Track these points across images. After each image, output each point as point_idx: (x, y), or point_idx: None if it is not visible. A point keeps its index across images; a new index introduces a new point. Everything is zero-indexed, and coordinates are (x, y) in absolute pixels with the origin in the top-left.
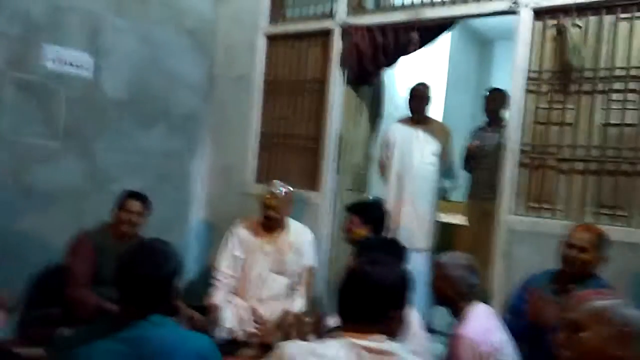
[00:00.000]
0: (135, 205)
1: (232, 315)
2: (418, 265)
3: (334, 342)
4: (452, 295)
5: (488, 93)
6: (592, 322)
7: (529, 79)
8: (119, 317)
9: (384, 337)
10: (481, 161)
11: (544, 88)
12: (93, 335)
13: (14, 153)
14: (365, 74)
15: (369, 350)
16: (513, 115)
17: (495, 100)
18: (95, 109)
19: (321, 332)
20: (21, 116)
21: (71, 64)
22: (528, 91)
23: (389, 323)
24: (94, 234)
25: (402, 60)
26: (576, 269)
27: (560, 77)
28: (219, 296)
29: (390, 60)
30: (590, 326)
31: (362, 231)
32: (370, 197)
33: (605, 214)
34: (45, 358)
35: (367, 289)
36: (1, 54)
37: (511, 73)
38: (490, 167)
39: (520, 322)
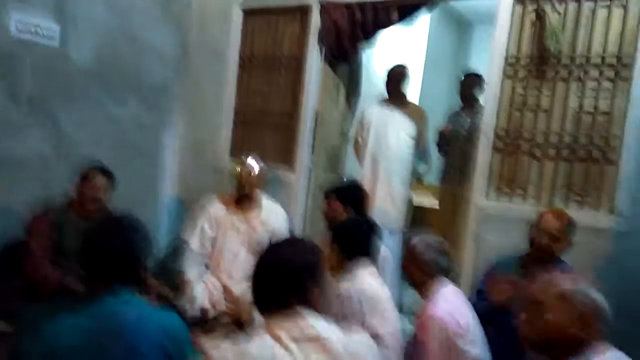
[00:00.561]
0: (99, 180)
1: (203, 292)
2: (391, 245)
3: (262, 340)
4: (422, 277)
5: (464, 77)
6: (556, 304)
7: (507, 63)
8: (85, 292)
9: (310, 318)
10: (454, 145)
11: (521, 73)
12: (59, 309)
13: None
14: (343, 52)
15: (299, 339)
16: (489, 99)
17: (471, 84)
18: (62, 78)
19: None
20: None
21: (37, 32)
22: (505, 76)
23: (312, 301)
24: (55, 210)
25: (381, 40)
26: (546, 256)
27: (538, 62)
28: (190, 272)
29: (368, 37)
30: (554, 308)
31: (344, 215)
32: (345, 178)
33: (575, 200)
34: (9, 332)
35: (274, 272)
36: None
37: (489, 57)
38: (463, 151)
39: (485, 303)
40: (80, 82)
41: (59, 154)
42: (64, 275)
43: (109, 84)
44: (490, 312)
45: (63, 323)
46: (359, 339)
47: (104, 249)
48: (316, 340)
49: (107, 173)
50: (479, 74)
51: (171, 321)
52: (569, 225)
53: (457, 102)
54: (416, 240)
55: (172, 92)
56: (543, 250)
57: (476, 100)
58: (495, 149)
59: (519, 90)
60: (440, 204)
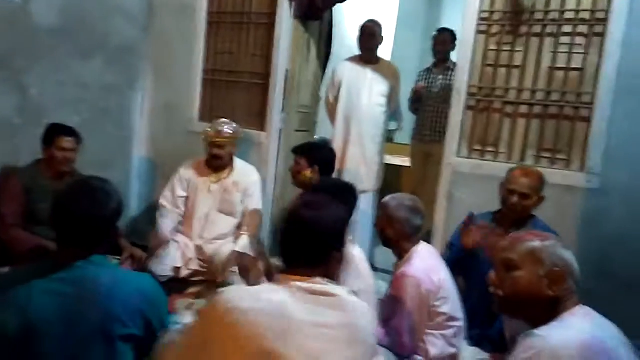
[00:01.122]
0: (68, 141)
1: (176, 251)
2: (363, 206)
3: (277, 286)
4: (396, 236)
5: (436, 33)
6: (526, 262)
7: (480, 19)
8: (58, 257)
9: (325, 279)
10: (426, 103)
11: (494, 29)
12: (31, 275)
13: None
14: (314, 9)
15: (312, 292)
16: (462, 56)
17: (444, 40)
18: (25, 38)
19: (271, 274)
20: None
21: None
22: (478, 32)
23: (329, 264)
24: (23, 172)
25: None
26: (518, 214)
27: (511, 18)
28: (163, 232)
29: None
30: (524, 266)
31: (309, 173)
32: (317, 138)
33: (546, 157)
34: None
35: (306, 233)
36: None
37: (462, 12)
38: (435, 109)
39: (456, 250)
40: (44, 42)
41: (24, 117)
42: (37, 237)
43: (75, 44)
44: (461, 259)
45: (37, 287)
46: (364, 305)
47: (75, 213)
48: (327, 295)
49: (74, 134)
50: (452, 30)
51: (147, 284)
52: (539, 181)
53: (429, 60)
54: (390, 199)
55: (140, 51)
56: (514, 209)
57: (449, 57)
58: (468, 106)
59: (492, 46)
60: (412, 163)
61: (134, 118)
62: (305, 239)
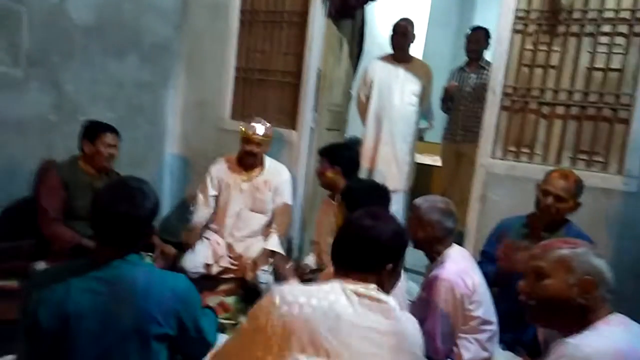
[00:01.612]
0: (111, 138)
1: (207, 249)
2: (394, 206)
3: (329, 287)
4: (428, 239)
5: (470, 31)
6: (556, 270)
7: (517, 18)
8: (96, 255)
9: (375, 286)
10: (459, 102)
11: (531, 28)
12: (70, 273)
13: None
14: (347, 7)
15: (364, 296)
16: (498, 56)
17: (478, 39)
18: (61, 35)
19: (302, 274)
20: None
21: None
22: (515, 31)
23: (381, 275)
24: (61, 167)
25: None
26: (551, 217)
27: (549, 17)
28: (195, 223)
29: None
30: (555, 274)
31: (330, 173)
32: (347, 137)
33: (583, 160)
34: (19, 290)
35: (365, 242)
36: None
37: (498, 11)
38: (467, 108)
39: (492, 267)
40: (80, 40)
41: (60, 113)
42: (77, 234)
43: (110, 42)
44: (498, 277)
45: (75, 286)
46: (412, 317)
47: (113, 214)
48: (377, 301)
49: (116, 130)
50: (486, 28)
51: (181, 284)
52: (576, 185)
53: (461, 59)
54: (421, 201)
55: (173, 49)
56: (548, 211)
57: (482, 56)
58: (503, 107)
59: (529, 45)
60: (442, 162)
61: (167, 115)
62: (363, 247)
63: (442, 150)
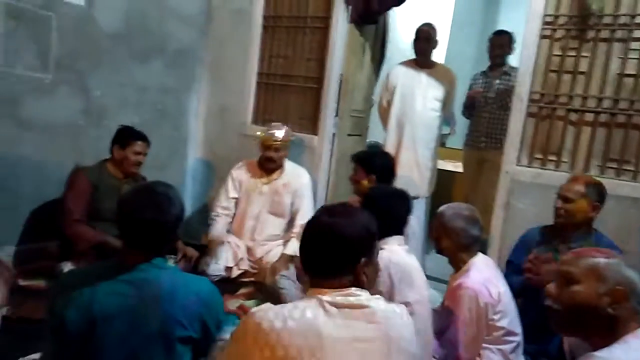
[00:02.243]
0: (141, 145)
1: (228, 252)
2: (416, 212)
3: (305, 303)
4: (452, 247)
5: (494, 35)
6: (587, 277)
7: (544, 23)
8: (122, 258)
9: (356, 289)
10: (481, 108)
11: (559, 33)
12: (97, 275)
13: (8, 85)
14: (370, 13)
15: (342, 305)
16: (524, 61)
17: (502, 44)
18: (89, 41)
19: None
20: (14, 46)
21: None
22: (542, 36)
23: (356, 274)
24: (91, 171)
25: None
26: (562, 220)
27: (578, 22)
28: (220, 229)
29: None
30: (584, 280)
31: (365, 182)
32: (369, 142)
33: (612, 168)
34: (46, 289)
35: (326, 240)
36: None
37: (523, 15)
38: (491, 114)
39: (517, 278)
40: (106, 46)
41: (88, 118)
42: (100, 232)
43: (135, 48)
44: (525, 289)
45: (101, 289)
46: (400, 311)
47: (139, 220)
48: (359, 307)
49: (146, 138)
50: (511, 32)
51: (205, 288)
52: (588, 187)
53: (484, 63)
54: (445, 209)
55: (197, 55)
56: (557, 213)
57: (506, 61)
58: (529, 113)
59: (557, 51)
60: (464, 169)
61: (190, 120)
62: (327, 247)
63: (464, 157)
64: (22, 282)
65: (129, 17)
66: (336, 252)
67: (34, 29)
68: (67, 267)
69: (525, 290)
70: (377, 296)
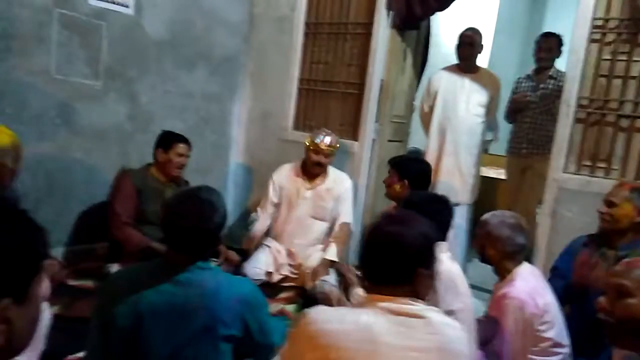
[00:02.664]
0: (184, 148)
1: (269, 257)
2: (458, 219)
3: (363, 308)
4: (497, 255)
5: (541, 38)
6: None
7: (594, 27)
8: (167, 259)
9: (411, 299)
10: (524, 113)
11: (609, 37)
12: (144, 274)
13: (61, 91)
14: (412, 18)
15: (399, 313)
16: (572, 66)
17: (550, 46)
18: (137, 49)
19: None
20: (66, 54)
21: (113, 1)
22: (591, 40)
23: (416, 283)
24: (135, 174)
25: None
26: (606, 225)
27: (629, 25)
28: (256, 231)
29: (442, 4)
30: (638, 293)
31: (398, 187)
32: (409, 148)
33: None
34: (95, 289)
35: (388, 249)
36: None
37: (570, 19)
38: (533, 120)
39: (565, 285)
40: (154, 53)
41: (134, 124)
42: (146, 237)
43: (181, 55)
44: (570, 293)
45: (149, 287)
46: (457, 325)
47: (183, 225)
48: (415, 317)
49: (188, 141)
50: (559, 35)
51: (248, 288)
52: (633, 192)
53: (528, 69)
54: (490, 217)
55: (240, 62)
56: (601, 218)
57: (553, 64)
58: (577, 119)
59: (606, 55)
60: (507, 177)
61: (232, 126)
62: (387, 256)
63: (507, 164)
64: (71, 282)
65: (175, 26)
66: (396, 260)
67: (86, 37)
68: (114, 268)
69: (569, 296)
70: (434, 307)
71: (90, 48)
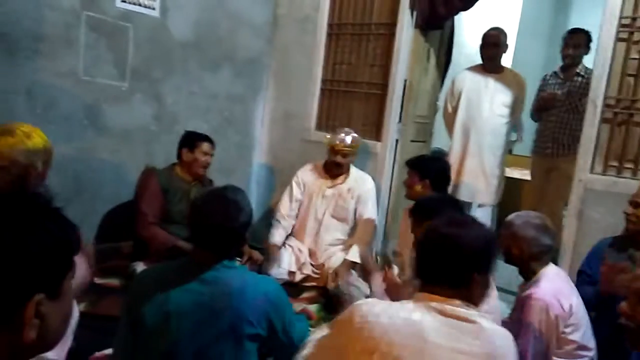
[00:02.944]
0: (208, 146)
1: (291, 256)
2: (482, 220)
3: (415, 304)
4: (523, 256)
5: (568, 34)
6: None
7: (621, 25)
8: (194, 257)
9: (464, 302)
10: (550, 112)
11: (637, 36)
12: (172, 272)
13: (90, 93)
14: (436, 18)
15: (451, 315)
16: (599, 65)
17: (578, 43)
18: (162, 50)
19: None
20: (94, 56)
21: (139, 3)
22: (618, 39)
23: (471, 288)
24: (161, 174)
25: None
26: (632, 227)
27: None
28: (278, 236)
29: (466, 4)
30: None
31: (419, 187)
32: (432, 149)
33: None
34: (121, 287)
35: (447, 251)
36: None
37: (596, 18)
38: (559, 119)
39: (589, 288)
40: (179, 54)
41: (160, 124)
42: (172, 236)
43: (206, 56)
44: (597, 300)
45: (176, 285)
46: (506, 334)
47: (209, 224)
48: (467, 321)
49: (212, 141)
50: (588, 31)
51: (272, 288)
52: None
53: (553, 68)
54: (515, 217)
55: (263, 62)
56: (627, 219)
57: (580, 61)
58: (604, 119)
59: (634, 54)
60: (531, 178)
61: (255, 126)
62: (446, 257)
63: (532, 164)
64: (98, 280)
65: (200, 27)
66: (454, 263)
67: (113, 40)
68: (140, 267)
69: (598, 302)
70: (485, 314)
71: (117, 50)
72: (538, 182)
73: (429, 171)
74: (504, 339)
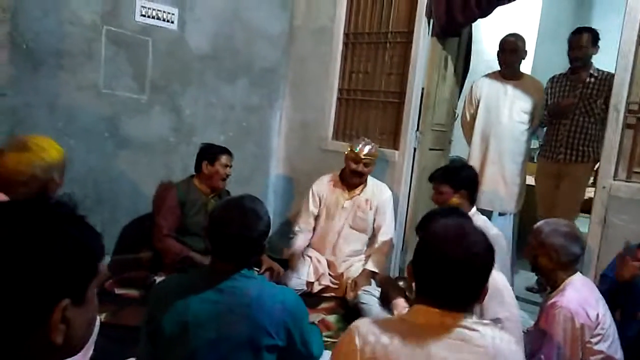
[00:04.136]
0: (227, 158)
1: (309, 267)
2: (502, 229)
3: (413, 319)
4: (550, 265)
5: (571, 35)
6: None
7: None
8: (213, 268)
9: (467, 313)
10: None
11: None
12: (190, 282)
13: (110, 105)
14: (453, 25)
15: (453, 326)
16: (621, 70)
17: (582, 44)
18: (181, 63)
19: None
20: (114, 69)
21: (158, 16)
22: None
23: (480, 299)
24: (179, 187)
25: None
26: None
27: None
28: (298, 246)
29: (485, 11)
30: None
31: (456, 199)
32: (451, 157)
33: None
34: (140, 298)
35: (446, 266)
36: (96, 8)
37: (618, 22)
38: (572, 122)
39: (611, 281)
40: (196, 67)
41: (178, 136)
42: (185, 247)
43: (223, 68)
44: (614, 291)
45: (195, 295)
46: (510, 339)
47: (227, 233)
48: (470, 329)
49: (230, 153)
50: (593, 29)
51: (291, 298)
52: None
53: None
54: (542, 224)
55: (280, 73)
56: None
57: (588, 62)
58: (627, 125)
59: None
60: (537, 184)
61: (272, 136)
62: (458, 279)
63: (538, 170)
64: (117, 291)
65: (217, 40)
66: (468, 283)
67: (132, 53)
68: (159, 277)
69: (616, 292)
70: (486, 321)
71: (137, 63)
72: (545, 191)
73: (462, 181)
74: (508, 344)
